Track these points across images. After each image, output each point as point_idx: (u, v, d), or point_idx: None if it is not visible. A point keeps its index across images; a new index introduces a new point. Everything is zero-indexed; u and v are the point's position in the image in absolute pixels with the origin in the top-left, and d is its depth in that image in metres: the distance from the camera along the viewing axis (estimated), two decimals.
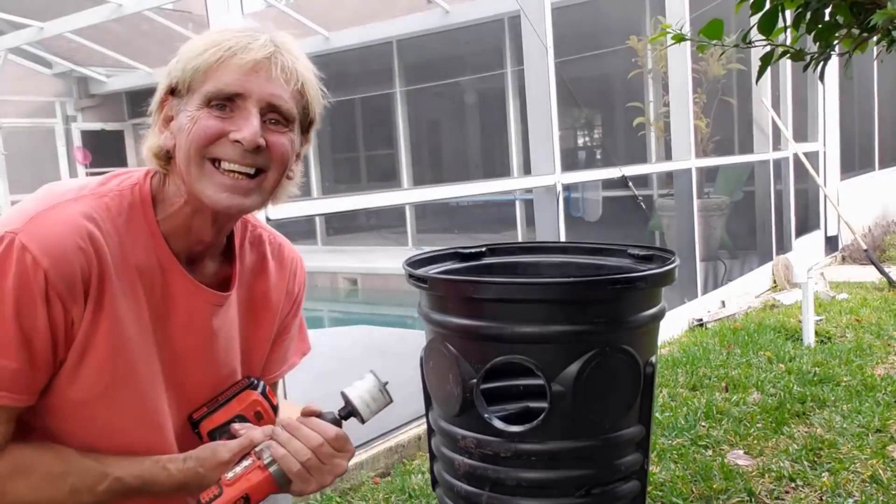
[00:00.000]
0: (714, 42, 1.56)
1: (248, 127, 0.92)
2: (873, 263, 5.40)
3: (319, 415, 1.07)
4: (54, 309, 0.87)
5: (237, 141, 0.92)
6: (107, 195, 0.95)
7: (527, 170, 4.17)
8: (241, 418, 1.06)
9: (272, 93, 0.93)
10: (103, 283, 0.91)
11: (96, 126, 10.21)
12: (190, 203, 0.96)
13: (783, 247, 5.78)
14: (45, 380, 0.91)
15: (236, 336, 1.09)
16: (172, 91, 0.95)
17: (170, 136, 0.95)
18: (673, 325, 4.15)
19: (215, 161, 0.93)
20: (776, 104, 5.61)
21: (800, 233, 6.12)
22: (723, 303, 4.72)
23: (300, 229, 9.75)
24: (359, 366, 3.66)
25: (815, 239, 6.51)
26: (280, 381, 2.25)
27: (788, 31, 1.59)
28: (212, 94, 0.92)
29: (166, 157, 0.96)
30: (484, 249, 1.64)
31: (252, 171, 0.94)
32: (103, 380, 0.93)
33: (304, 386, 3.22)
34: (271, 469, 0.99)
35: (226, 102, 0.92)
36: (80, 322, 0.90)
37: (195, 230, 0.99)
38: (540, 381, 1.25)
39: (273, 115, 0.94)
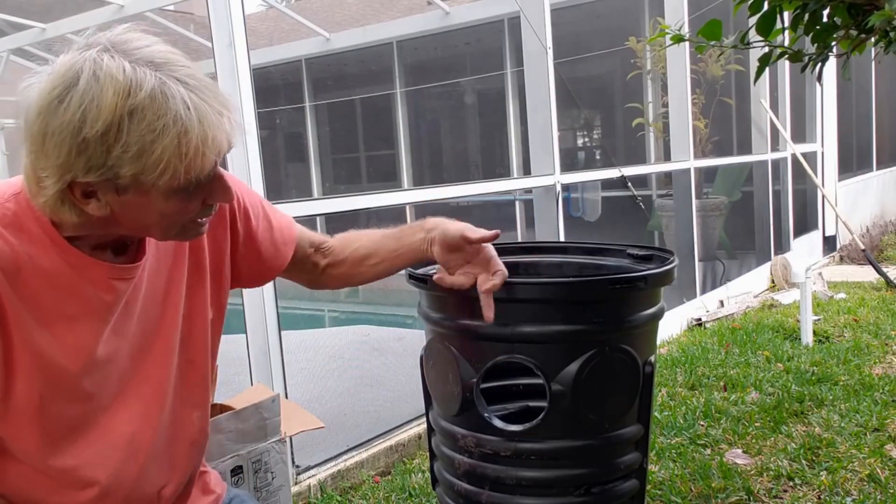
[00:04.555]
0: (713, 43, 1.57)
1: (227, 192, 0.93)
2: (871, 263, 5.41)
3: None
4: None
5: (213, 203, 0.94)
6: None
7: (526, 170, 4.18)
8: None
9: (229, 149, 0.91)
10: (1, 300, 0.88)
11: None
12: (128, 234, 0.96)
13: (781, 247, 5.79)
14: None
15: (175, 293, 1.07)
16: (101, 181, 0.85)
17: (101, 206, 0.88)
18: (672, 325, 4.16)
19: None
20: (774, 105, 5.62)
21: (798, 233, 6.13)
22: (721, 302, 4.73)
23: None
24: (359, 366, 3.67)
25: (814, 239, 6.52)
26: (282, 380, 2.27)
27: (786, 32, 1.60)
28: (184, 188, 0.87)
29: (88, 216, 0.90)
30: None
31: None
32: (35, 391, 0.92)
33: (305, 385, 3.23)
34: None
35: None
36: None
37: (119, 238, 0.97)
38: (539, 381, 1.26)
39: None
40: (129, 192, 0.86)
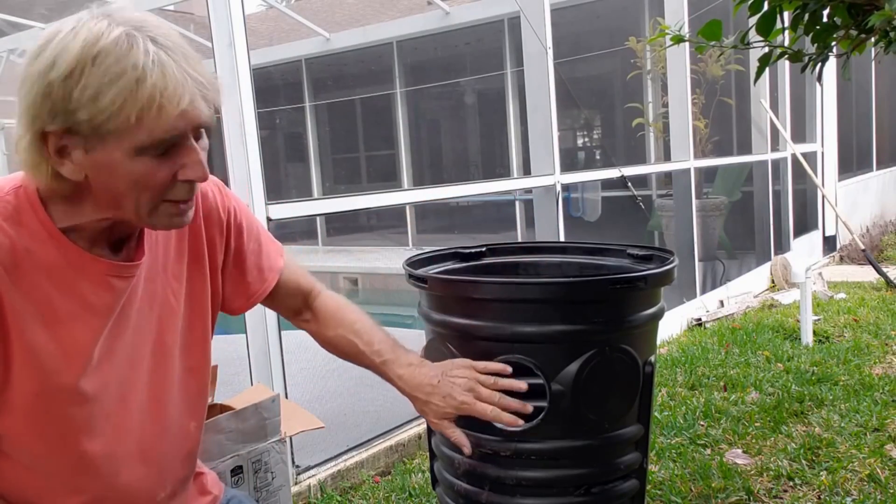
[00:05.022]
0: (713, 43, 1.57)
1: (198, 167, 0.91)
2: (871, 263, 5.41)
3: None
4: None
5: (186, 180, 0.91)
6: None
7: (526, 170, 4.18)
8: None
9: (202, 122, 0.90)
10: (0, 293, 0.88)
11: None
12: (114, 219, 0.94)
13: (781, 247, 5.79)
14: None
15: (173, 300, 1.07)
16: (66, 129, 0.86)
17: (75, 169, 0.88)
18: (672, 325, 4.16)
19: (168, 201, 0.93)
20: (774, 105, 5.63)
21: (798, 233, 6.13)
22: (721, 302, 4.73)
23: (300, 229, 9.76)
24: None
25: (814, 239, 6.52)
26: (282, 380, 2.27)
27: (786, 32, 1.60)
28: (146, 146, 0.86)
29: (69, 182, 0.90)
30: (484, 249, 1.65)
31: None
32: (30, 390, 0.92)
33: (305, 385, 3.23)
34: None
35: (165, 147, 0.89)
36: None
37: (114, 232, 0.97)
38: (539, 381, 1.26)
39: (200, 132, 0.92)
40: (95, 148, 0.86)
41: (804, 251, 6.10)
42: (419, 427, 2.68)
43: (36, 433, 0.94)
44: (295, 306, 1.27)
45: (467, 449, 1.23)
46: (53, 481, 0.97)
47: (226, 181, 2.13)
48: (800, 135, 6.26)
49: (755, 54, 4.27)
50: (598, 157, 8.58)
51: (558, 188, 3.43)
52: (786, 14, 1.57)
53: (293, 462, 2.29)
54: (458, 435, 1.22)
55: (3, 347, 0.89)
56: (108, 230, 0.96)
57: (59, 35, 0.85)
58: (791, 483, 2.28)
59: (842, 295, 4.81)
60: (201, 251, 1.10)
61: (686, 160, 4.49)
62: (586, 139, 8.85)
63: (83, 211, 0.92)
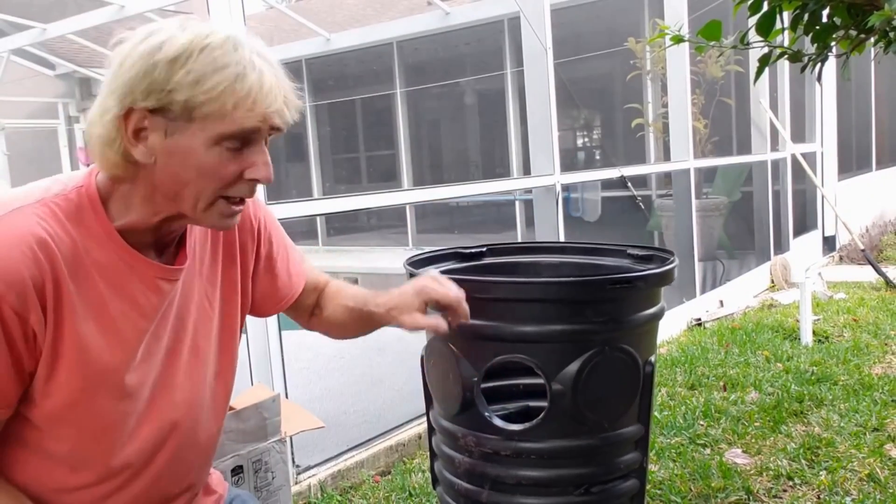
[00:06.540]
0: (712, 43, 1.57)
1: (265, 167, 0.94)
2: (870, 263, 5.41)
3: None
4: (9, 322, 0.86)
5: (253, 179, 0.94)
6: (52, 201, 0.93)
7: (526, 170, 4.18)
8: None
9: (280, 127, 0.95)
10: (59, 288, 0.90)
11: None
12: (165, 214, 0.95)
13: (781, 247, 5.79)
14: (16, 391, 0.91)
15: (207, 305, 1.09)
16: (155, 109, 0.89)
17: (147, 153, 0.90)
18: (672, 325, 4.16)
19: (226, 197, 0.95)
20: (774, 105, 5.63)
21: (797, 233, 6.14)
22: (721, 302, 4.74)
23: (301, 229, 9.75)
24: (359, 365, 3.67)
25: (813, 239, 6.53)
26: (282, 380, 2.27)
27: (786, 32, 1.60)
28: (228, 136, 0.90)
29: (133, 167, 0.93)
30: (484, 249, 1.66)
31: None
32: (75, 384, 0.93)
33: (305, 385, 3.23)
34: None
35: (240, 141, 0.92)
36: (42, 332, 0.89)
37: (163, 231, 0.99)
38: (540, 380, 1.26)
39: (270, 135, 0.96)
40: (176, 132, 0.89)
41: (804, 251, 6.10)
42: (419, 427, 2.69)
43: (72, 427, 0.96)
44: (310, 305, 1.29)
45: (444, 327, 1.16)
46: (80, 475, 0.98)
47: None
48: (799, 135, 6.26)
49: (755, 55, 4.28)
50: (597, 157, 8.58)
51: (558, 188, 3.44)
52: (785, 14, 1.57)
53: (293, 462, 2.29)
54: (430, 319, 1.16)
55: (55, 338, 0.91)
56: (155, 230, 0.98)
57: (166, 26, 0.90)
58: (791, 483, 2.28)
59: (841, 295, 4.81)
60: (234, 257, 1.13)
61: (686, 160, 4.49)
62: (586, 139, 8.85)
63: (136, 204, 0.95)
